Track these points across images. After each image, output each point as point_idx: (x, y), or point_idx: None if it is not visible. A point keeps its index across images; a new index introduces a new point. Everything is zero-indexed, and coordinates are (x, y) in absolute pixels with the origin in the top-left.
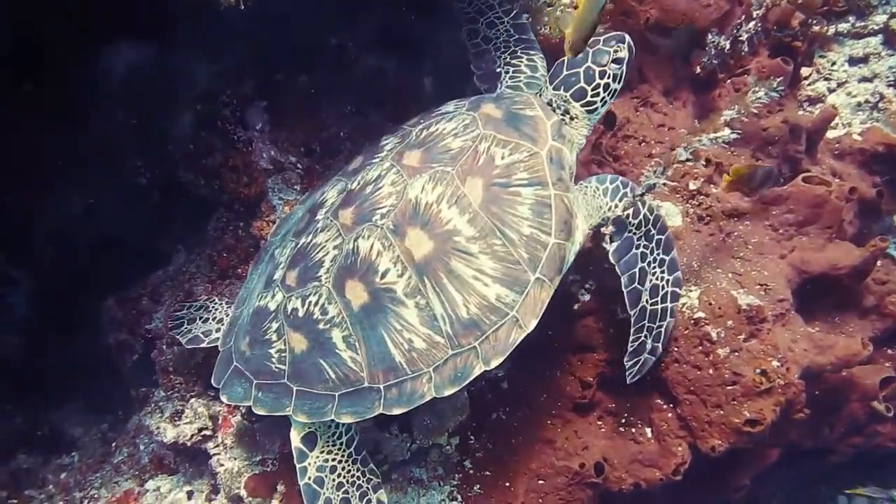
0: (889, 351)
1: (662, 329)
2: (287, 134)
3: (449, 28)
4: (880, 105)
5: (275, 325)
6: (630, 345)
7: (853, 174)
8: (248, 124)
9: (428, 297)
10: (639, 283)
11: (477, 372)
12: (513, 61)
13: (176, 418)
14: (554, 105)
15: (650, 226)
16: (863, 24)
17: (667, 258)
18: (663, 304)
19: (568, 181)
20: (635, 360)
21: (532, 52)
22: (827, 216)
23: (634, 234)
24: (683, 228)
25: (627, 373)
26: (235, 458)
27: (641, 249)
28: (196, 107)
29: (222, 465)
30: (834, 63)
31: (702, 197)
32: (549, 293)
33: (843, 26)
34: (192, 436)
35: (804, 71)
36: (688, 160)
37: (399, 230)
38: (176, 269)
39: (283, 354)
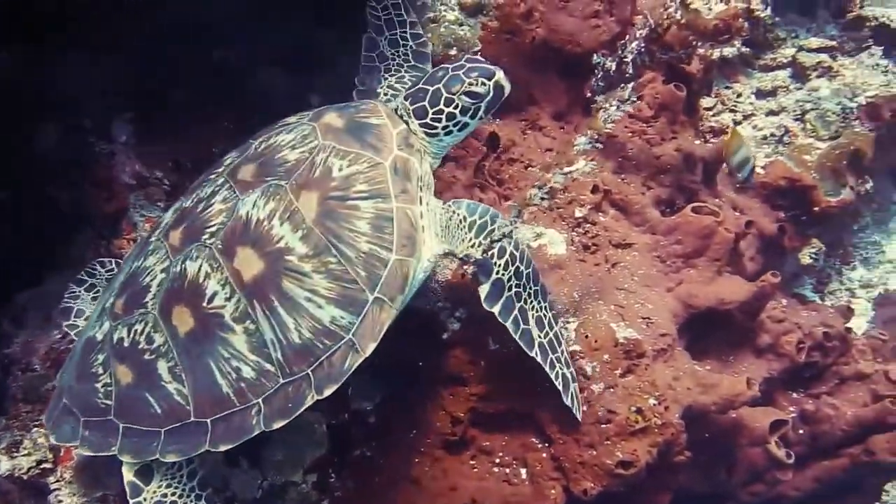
0: (793, 395)
1: (566, 352)
2: (154, 148)
3: (350, 45)
4: (785, 139)
5: (101, 357)
6: (557, 384)
7: (756, 209)
8: (113, 137)
9: (258, 322)
10: (524, 324)
11: (309, 401)
12: (396, 85)
13: (13, 449)
14: (399, 113)
15: (518, 263)
16: (772, 56)
17: (538, 287)
18: (553, 331)
19: (415, 193)
20: (570, 393)
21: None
22: (715, 248)
23: (503, 275)
24: (567, 257)
25: (574, 410)
26: (75, 494)
27: (515, 290)
28: (61, 118)
29: (60, 501)
30: (740, 95)
31: (588, 225)
32: (391, 314)
33: (737, 54)
34: (30, 469)
35: (707, 101)
36: (542, 199)
37: (228, 250)
38: (43, 290)
39: (108, 388)
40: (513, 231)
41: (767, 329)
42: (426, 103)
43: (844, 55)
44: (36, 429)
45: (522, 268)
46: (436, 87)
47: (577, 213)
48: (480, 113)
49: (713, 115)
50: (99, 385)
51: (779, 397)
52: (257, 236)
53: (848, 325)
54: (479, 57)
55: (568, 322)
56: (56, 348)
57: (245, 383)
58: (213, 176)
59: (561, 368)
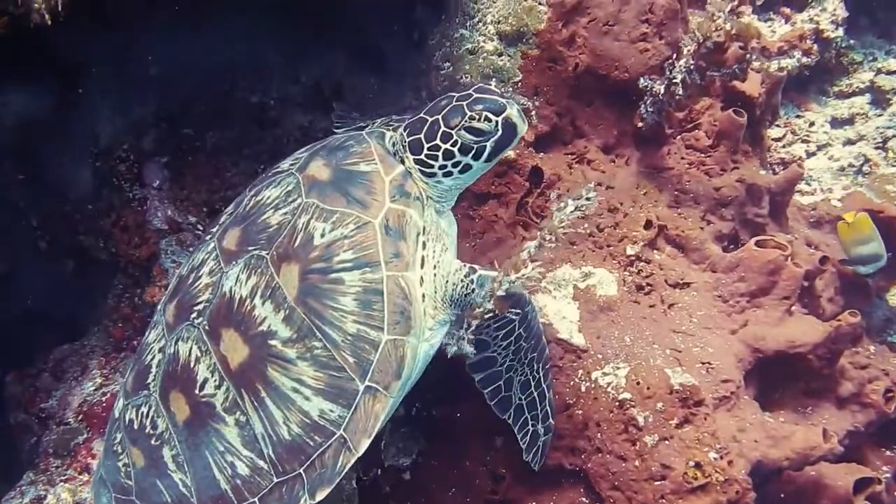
0: (886, 451)
1: (547, 408)
2: (188, 192)
3: (398, 85)
4: (865, 168)
5: (119, 436)
6: (522, 441)
7: (833, 245)
8: (146, 181)
9: (248, 414)
10: (505, 391)
11: None
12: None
13: None
14: (395, 149)
15: (523, 340)
16: (847, 81)
17: (535, 355)
18: (539, 390)
19: (411, 254)
20: (534, 450)
21: None
22: (784, 285)
23: (499, 352)
24: (619, 298)
25: (532, 464)
26: None
27: (507, 363)
28: (95, 163)
29: None
30: (812, 124)
31: (642, 263)
32: (386, 404)
33: (797, 66)
34: None
35: (776, 131)
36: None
37: (214, 332)
38: (81, 341)
39: (128, 469)
40: (526, 302)
41: (850, 376)
42: (422, 136)
43: None
44: (62, 483)
45: (524, 343)
46: (434, 118)
47: (630, 251)
48: (486, 154)
49: (783, 147)
50: (121, 464)
51: (868, 453)
52: (241, 317)
53: None
54: (492, 86)
55: (618, 368)
56: (89, 401)
57: (241, 480)
58: (208, 237)
59: (535, 425)
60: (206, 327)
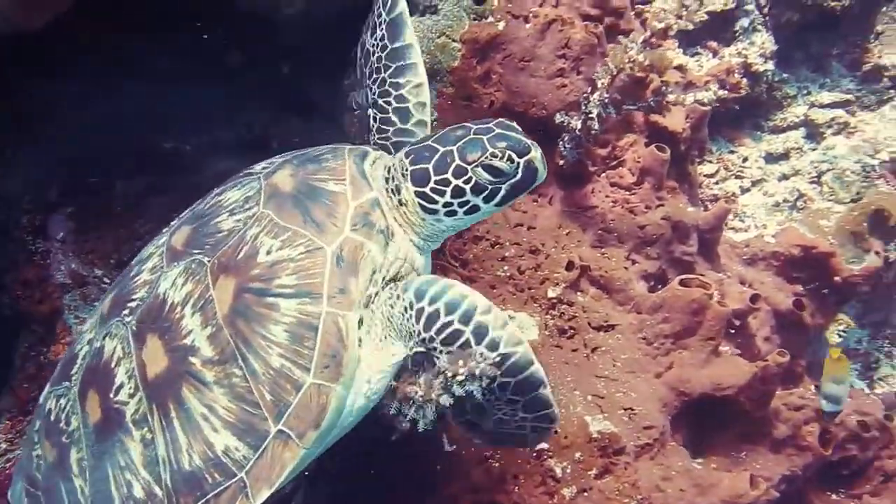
0: (832, 495)
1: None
2: (93, 244)
3: (325, 128)
4: (799, 204)
5: (38, 424)
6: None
7: (768, 282)
8: (49, 234)
9: (154, 432)
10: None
11: None
12: (381, 101)
13: None
14: (391, 173)
15: (501, 376)
16: (781, 115)
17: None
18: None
19: (359, 293)
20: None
21: (406, 81)
22: (709, 325)
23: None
24: (540, 343)
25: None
26: None
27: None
28: None
29: None
30: (746, 159)
31: (564, 306)
32: (297, 454)
33: (714, 98)
34: None
35: (708, 167)
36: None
37: (140, 335)
38: None
39: (39, 461)
40: (488, 326)
41: (784, 418)
42: (430, 167)
43: (864, 109)
44: None
45: (503, 377)
46: (448, 148)
47: (551, 294)
48: (499, 197)
49: (716, 183)
50: (35, 455)
51: (813, 498)
52: (168, 325)
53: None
54: (514, 124)
55: None
56: None
57: (133, 503)
58: (165, 230)
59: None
60: (134, 328)
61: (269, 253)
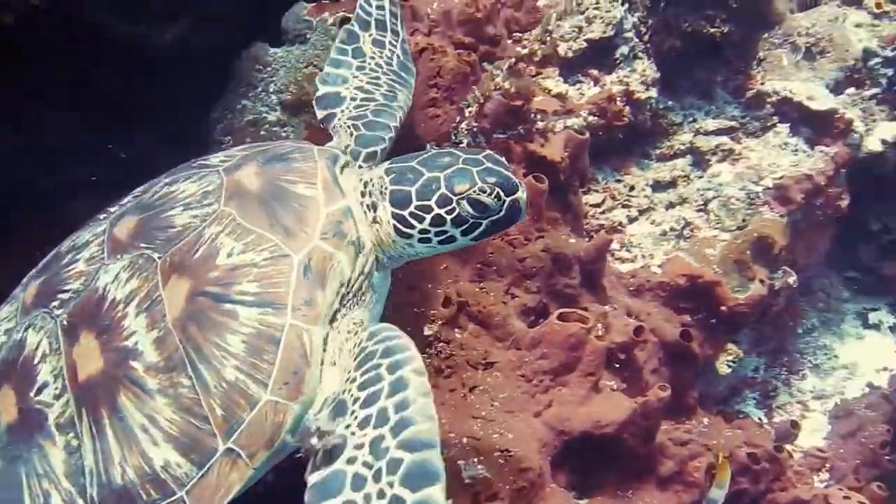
0: None
1: None
2: None
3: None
4: (686, 232)
5: None
6: None
7: (655, 313)
8: None
9: (81, 440)
10: None
11: None
12: (367, 87)
13: None
14: (368, 188)
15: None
16: (668, 143)
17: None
18: None
19: (326, 307)
20: None
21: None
22: (588, 360)
23: (355, 462)
24: None
25: None
26: None
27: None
28: None
29: None
30: (633, 188)
31: (441, 344)
32: (245, 475)
33: (584, 125)
34: None
35: (594, 196)
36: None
37: (72, 331)
38: None
39: None
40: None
41: (670, 454)
42: (413, 190)
43: (749, 136)
44: None
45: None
46: (434, 174)
47: (427, 332)
48: (477, 232)
49: (602, 213)
50: None
51: None
52: (107, 323)
53: (788, 441)
54: (502, 158)
55: None
56: None
57: None
58: (102, 216)
59: None
60: (65, 322)
61: (229, 256)
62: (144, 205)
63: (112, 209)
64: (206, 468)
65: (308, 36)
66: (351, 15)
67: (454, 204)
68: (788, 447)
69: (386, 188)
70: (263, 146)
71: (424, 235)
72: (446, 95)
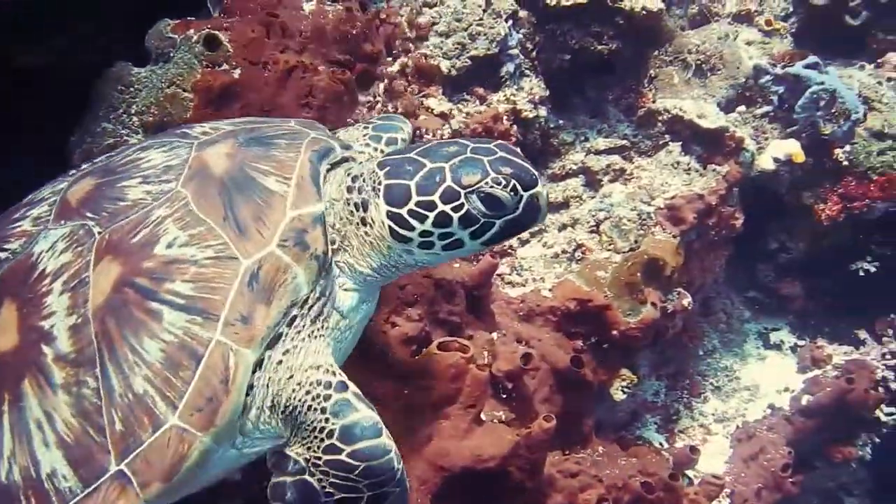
0: None
1: None
2: None
3: None
4: (577, 255)
5: None
6: None
7: (546, 339)
8: None
9: None
10: None
11: None
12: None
13: None
14: (357, 183)
15: None
16: (560, 163)
17: None
18: None
19: (266, 328)
20: None
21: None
22: (468, 392)
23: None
24: None
25: None
26: None
27: None
28: None
29: None
30: None
31: None
32: None
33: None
34: None
35: None
36: None
37: None
38: None
39: None
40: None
41: (559, 487)
42: (412, 184)
43: (641, 155)
44: None
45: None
46: (437, 165)
47: None
48: (489, 234)
49: None
50: None
51: None
52: (31, 297)
53: (688, 467)
54: (517, 149)
55: None
56: None
57: None
58: (72, 171)
59: None
60: None
61: (169, 246)
62: (108, 168)
63: (85, 166)
64: (91, 488)
65: (172, 54)
66: (217, 32)
67: (462, 199)
68: (690, 473)
69: (380, 183)
70: (258, 122)
71: (426, 239)
72: (319, 115)
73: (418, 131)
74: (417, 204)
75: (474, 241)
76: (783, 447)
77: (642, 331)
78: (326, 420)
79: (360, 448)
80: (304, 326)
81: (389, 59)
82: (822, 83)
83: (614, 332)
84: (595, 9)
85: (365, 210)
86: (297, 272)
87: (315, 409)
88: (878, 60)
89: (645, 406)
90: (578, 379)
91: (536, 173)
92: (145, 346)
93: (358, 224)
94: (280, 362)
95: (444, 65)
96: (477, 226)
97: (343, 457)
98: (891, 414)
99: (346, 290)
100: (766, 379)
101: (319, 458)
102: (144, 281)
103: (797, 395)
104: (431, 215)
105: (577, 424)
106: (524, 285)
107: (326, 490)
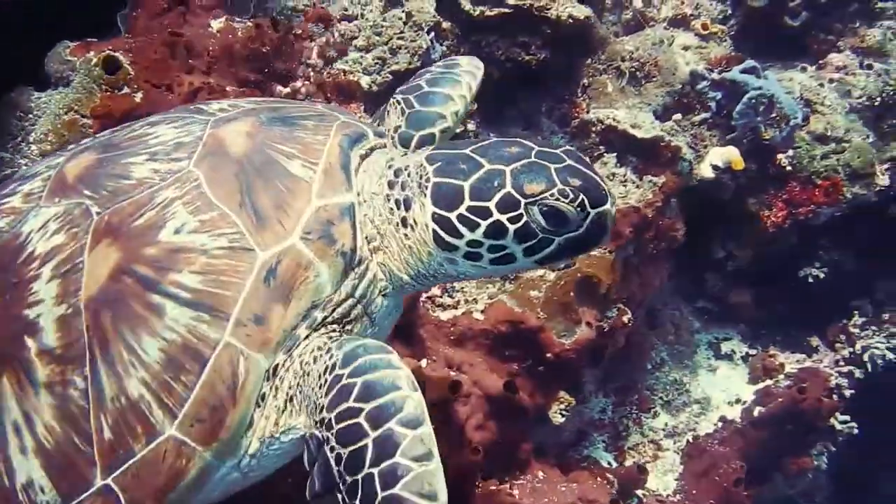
0: None
1: None
2: None
3: None
4: (511, 274)
5: None
6: None
7: (478, 363)
8: None
9: None
10: None
11: None
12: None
13: None
14: (401, 178)
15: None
16: None
17: None
18: None
19: (281, 331)
20: None
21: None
22: None
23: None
24: None
25: None
26: None
27: None
28: None
29: None
30: None
31: None
32: None
33: None
34: None
35: None
36: None
37: None
38: None
39: None
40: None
41: None
42: (466, 185)
43: None
44: None
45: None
46: (497, 167)
47: None
48: (545, 253)
49: None
50: None
51: None
52: (16, 281)
53: (638, 487)
54: (586, 157)
55: None
56: None
57: None
58: (72, 146)
59: None
60: None
61: (177, 232)
62: (111, 143)
63: (85, 141)
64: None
65: (71, 78)
66: (117, 54)
67: (521, 209)
68: (640, 492)
69: (427, 180)
70: (282, 103)
71: (474, 249)
72: None
73: None
74: (469, 209)
75: (527, 259)
76: (735, 461)
77: (577, 352)
78: (330, 357)
79: (359, 364)
80: (325, 331)
81: (307, 76)
82: (760, 88)
83: (549, 355)
84: (520, 19)
85: (407, 209)
86: (321, 270)
87: (321, 361)
88: (820, 62)
89: (592, 424)
90: (513, 404)
91: (607, 188)
92: (143, 345)
93: (398, 224)
94: (296, 372)
95: (365, 80)
96: (534, 241)
97: (343, 381)
98: (845, 422)
99: (383, 294)
100: (717, 391)
101: (323, 407)
102: (146, 270)
103: (749, 406)
104: (484, 224)
105: (514, 450)
106: (455, 307)
107: (337, 452)
